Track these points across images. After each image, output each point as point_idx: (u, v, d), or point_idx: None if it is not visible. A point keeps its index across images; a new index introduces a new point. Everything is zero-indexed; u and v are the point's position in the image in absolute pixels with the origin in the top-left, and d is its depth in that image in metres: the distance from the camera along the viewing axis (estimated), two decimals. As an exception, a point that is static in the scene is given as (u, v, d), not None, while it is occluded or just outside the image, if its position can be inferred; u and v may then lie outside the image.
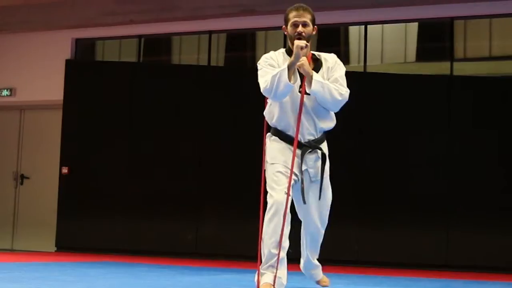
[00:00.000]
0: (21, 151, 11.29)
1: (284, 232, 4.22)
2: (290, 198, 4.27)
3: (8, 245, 11.11)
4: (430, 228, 8.92)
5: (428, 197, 9.00)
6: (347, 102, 4.49)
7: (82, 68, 10.80)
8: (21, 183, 11.21)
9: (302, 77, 4.37)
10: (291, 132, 4.40)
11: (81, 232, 10.20)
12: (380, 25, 9.75)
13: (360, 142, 9.11)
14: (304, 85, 4.32)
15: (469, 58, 9.69)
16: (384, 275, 7.28)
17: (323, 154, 4.48)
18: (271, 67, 4.40)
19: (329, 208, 4.62)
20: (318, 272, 4.95)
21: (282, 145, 4.42)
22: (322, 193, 4.49)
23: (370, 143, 9.22)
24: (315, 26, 4.50)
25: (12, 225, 11.18)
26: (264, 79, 4.34)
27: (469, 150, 8.98)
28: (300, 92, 4.34)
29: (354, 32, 9.92)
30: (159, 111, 10.17)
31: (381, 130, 9.27)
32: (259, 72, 4.45)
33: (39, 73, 11.03)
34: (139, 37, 10.72)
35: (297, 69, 4.33)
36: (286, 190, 4.26)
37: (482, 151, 8.96)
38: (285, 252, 4.27)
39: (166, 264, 7.91)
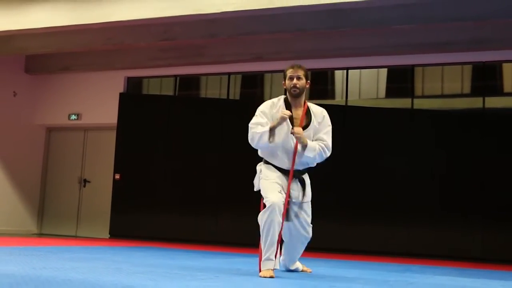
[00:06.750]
0: (85, 162, 11.37)
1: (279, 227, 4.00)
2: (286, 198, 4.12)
3: (73, 233, 11.18)
4: (394, 224, 8.92)
5: (392, 201, 9.00)
6: (333, 133, 4.43)
7: (132, 99, 10.89)
8: (84, 186, 11.29)
9: (293, 121, 4.26)
10: (284, 166, 4.26)
11: (129, 223, 10.25)
12: (358, 70, 9.79)
13: (341, 159, 9.13)
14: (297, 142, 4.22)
15: (426, 95, 9.69)
16: (358, 260, 7.24)
17: (302, 180, 4.34)
18: (263, 116, 4.29)
19: (310, 224, 4.38)
20: (298, 264, 4.72)
21: (276, 171, 4.27)
22: (300, 212, 4.30)
23: (348, 160, 9.24)
24: (308, 81, 4.36)
25: (76, 217, 11.25)
26: (251, 132, 4.25)
27: (426, 167, 9.00)
28: (292, 133, 4.22)
29: (339, 75, 9.96)
30: (189, 132, 10.24)
31: (358, 150, 9.30)
32: (253, 119, 4.29)
33: (99, 103, 11.12)
34: (176, 76, 10.79)
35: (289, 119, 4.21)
36: (281, 192, 4.11)
37: (435, 167, 8.97)
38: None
39: (192, 249, 7.91)
